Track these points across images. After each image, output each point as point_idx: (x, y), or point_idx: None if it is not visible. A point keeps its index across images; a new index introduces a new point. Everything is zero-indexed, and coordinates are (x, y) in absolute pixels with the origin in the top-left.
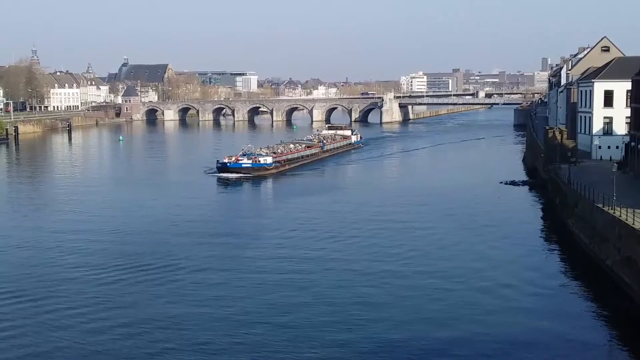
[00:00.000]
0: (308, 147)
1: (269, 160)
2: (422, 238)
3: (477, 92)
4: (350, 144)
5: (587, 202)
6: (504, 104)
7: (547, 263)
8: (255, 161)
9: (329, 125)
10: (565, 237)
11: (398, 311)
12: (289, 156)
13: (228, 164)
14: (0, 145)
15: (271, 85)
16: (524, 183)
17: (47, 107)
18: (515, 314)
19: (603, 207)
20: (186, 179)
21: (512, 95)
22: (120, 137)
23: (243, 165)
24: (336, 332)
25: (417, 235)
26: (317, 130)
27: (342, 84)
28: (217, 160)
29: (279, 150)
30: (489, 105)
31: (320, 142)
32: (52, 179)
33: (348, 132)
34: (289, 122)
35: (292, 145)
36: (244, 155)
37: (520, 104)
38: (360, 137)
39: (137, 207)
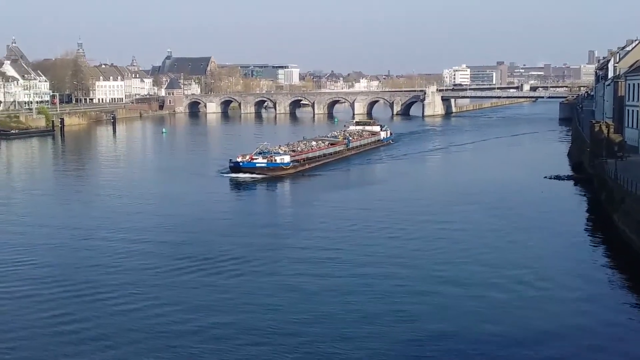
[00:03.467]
0: (332, 144)
1: (287, 159)
2: (463, 233)
3: (522, 85)
4: (379, 140)
5: (634, 198)
6: (549, 97)
7: (591, 259)
8: (271, 160)
9: (357, 120)
10: (611, 232)
11: (440, 304)
12: (310, 154)
13: (241, 164)
14: (47, 136)
15: (313, 78)
16: (569, 178)
17: (92, 99)
18: (557, 310)
19: None
20: (202, 177)
21: (558, 89)
22: (164, 130)
23: (257, 164)
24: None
25: (458, 230)
26: (345, 126)
27: (384, 77)
28: (230, 160)
29: (298, 148)
30: (533, 99)
31: (345, 138)
32: (96, 171)
33: (377, 128)
34: (330, 115)
35: (314, 143)
36: (259, 153)
37: (566, 97)
38: (391, 133)
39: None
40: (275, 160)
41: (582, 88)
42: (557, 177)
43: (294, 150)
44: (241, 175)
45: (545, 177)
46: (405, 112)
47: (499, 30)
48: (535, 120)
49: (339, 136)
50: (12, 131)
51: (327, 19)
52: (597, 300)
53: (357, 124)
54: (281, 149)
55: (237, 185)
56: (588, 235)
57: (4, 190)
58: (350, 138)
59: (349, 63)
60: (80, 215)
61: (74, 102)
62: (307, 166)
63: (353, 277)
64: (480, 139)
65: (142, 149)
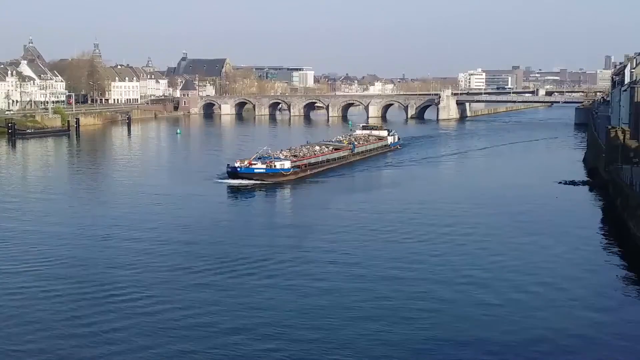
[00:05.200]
0: (336, 149)
1: (287, 164)
2: (475, 241)
3: (537, 90)
4: (386, 145)
5: None
6: (564, 102)
7: (606, 266)
8: (270, 166)
9: (364, 125)
10: (627, 239)
11: (453, 313)
12: (312, 160)
13: (239, 169)
14: (62, 136)
15: (327, 81)
16: (583, 183)
17: (107, 99)
18: (571, 318)
19: None
20: (201, 182)
21: (574, 94)
22: (178, 131)
23: (256, 170)
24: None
25: (469, 238)
26: (351, 130)
27: (398, 80)
28: (228, 165)
29: (300, 153)
30: (549, 104)
31: (350, 143)
32: (108, 172)
33: (384, 133)
34: (344, 118)
35: (317, 148)
36: (258, 158)
37: (582, 102)
38: (398, 138)
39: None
40: (274, 165)
41: (598, 93)
42: (572, 183)
43: (295, 156)
44: (239, 181)
45: (560, 182)
46: (419, 116)
47: (515, 35)
48: (551, 125)
49: (344, 141)
50: (28, 130)
51: (342, 22)
52: (611, 307)
53: (364, 128)
54: (282, 154)
55: (234, 192)
56: (603, 242)
57: (19, 189)
58: (356, 143)
59: (364, 66)
60: (89, 217)
61: (89, 102)
62: (308, 172)
63: (376, 292)
64: (495, 144)
65: (155, 150)
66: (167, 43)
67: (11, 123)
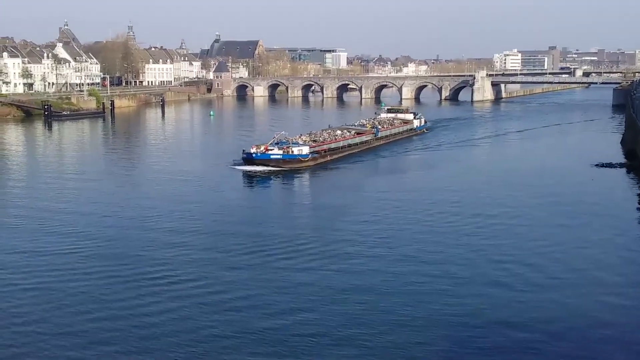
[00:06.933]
0: (358, 133)
1: (305, 150)
2: (510, 224)
3: (574, 70)
4: (411, 129)
5: None
6: (602, 83)
7: None
8: (287, 151)
9: (389, 108)
10: None
11: (486, 300)
12: (332, 145)
13: (254, 155)
14: (97, 118)
15: (360, 62)
16: (621, 165)
17: (141, 82)
18: (603, 308)
19: None
20: (216, 168)
21: (611, 75)
22: (211, 113)
23: (272, 156)
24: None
25: (504, 223)
26: (375, 114)
27: (432, 61)
28: (243, 150)
29: (320, 138)
30: (586, 85)
31: (373, 127)
32: (141, 155)
33: (410, 116)
34: (377, 100)
35: (338, 132)
36: (275, 144)
37: (620, 83)
38: (425, 122)
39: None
40: (292, 151)
41: (636, 74)
42: (609, 165)
43: (314, 141)
44: (254, 167)
45: (597, 164)
46: (453, 97)
47: (552, 15)
48: (588, 106)
49: (367, 125)
50: (64, 112)
51: (376, 3)
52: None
53: (389, 111)
54: (301, 139)
55: (249, 178)
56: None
57: (55, 170)
58: (379, 127)
59: (397, 47)
60: (117, 202)
61: (123, 84)
62: (328, 158)
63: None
64: (530, 127)
65: (188, 133)
66: (200, 25)
67: (47, 105)
